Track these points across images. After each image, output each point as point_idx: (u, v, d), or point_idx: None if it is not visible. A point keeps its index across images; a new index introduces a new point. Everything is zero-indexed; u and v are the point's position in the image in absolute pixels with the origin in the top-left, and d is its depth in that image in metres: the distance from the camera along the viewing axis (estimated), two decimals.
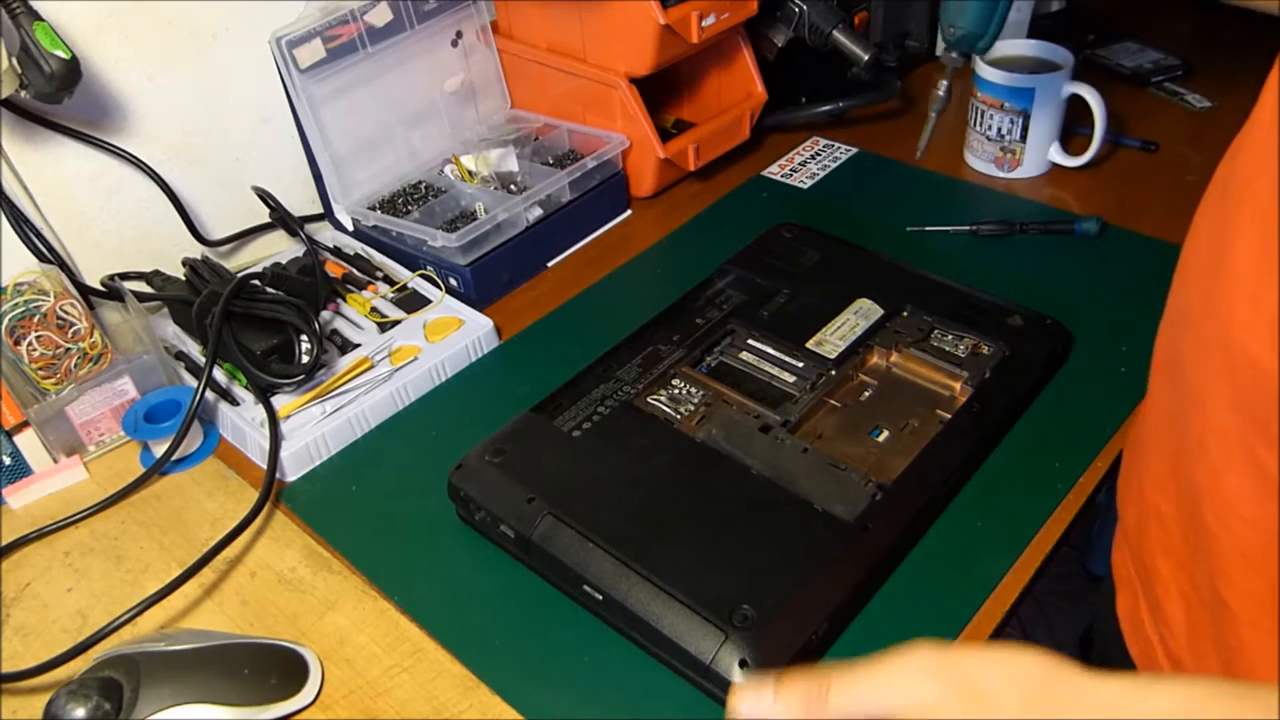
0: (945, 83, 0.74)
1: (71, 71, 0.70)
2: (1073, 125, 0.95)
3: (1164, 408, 0.50)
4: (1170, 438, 0.50)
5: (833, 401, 0.69)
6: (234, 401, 0.75)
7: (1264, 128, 0.41)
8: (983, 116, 0.94)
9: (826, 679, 0.38)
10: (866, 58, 0.97)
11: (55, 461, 0.73)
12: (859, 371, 0.72)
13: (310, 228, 0.90)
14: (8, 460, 0.71)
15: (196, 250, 0.89)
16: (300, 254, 0.87)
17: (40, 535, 0.68)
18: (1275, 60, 0.40)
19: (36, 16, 0.69)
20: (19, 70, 0.69)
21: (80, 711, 0.51)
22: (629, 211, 0.96)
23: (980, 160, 0.97)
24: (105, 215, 0.85)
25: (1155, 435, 0.52)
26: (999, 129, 0.93)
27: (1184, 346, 0.47)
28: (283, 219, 0.89)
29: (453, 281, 0.85)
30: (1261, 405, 0.41)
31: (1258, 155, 0.41)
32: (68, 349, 0.72)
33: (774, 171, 1.00)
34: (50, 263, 0.79)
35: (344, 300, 0.84)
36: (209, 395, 0.75)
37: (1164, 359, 0.51)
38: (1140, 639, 0.56)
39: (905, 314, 0.75)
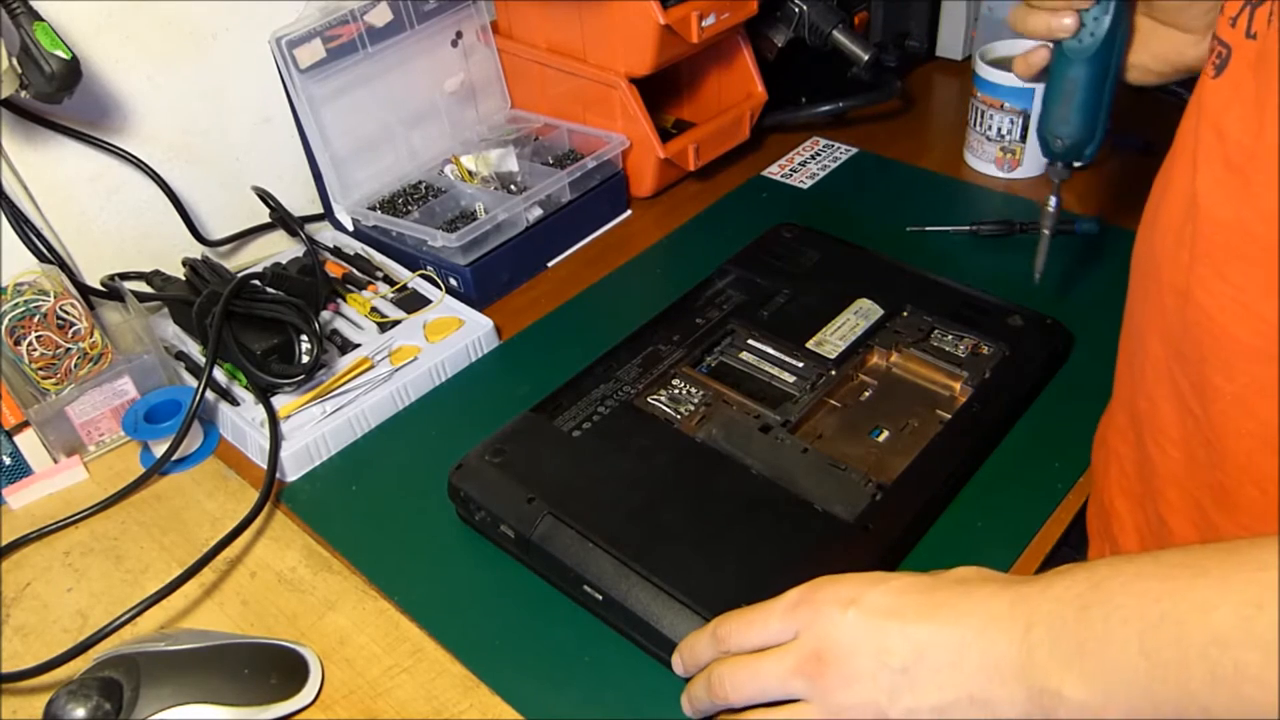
0: (1054, 199, 0.67)
1: (71, 71, 0.70)
2: None
3: (1125, 356, 0.54)
4: (1127, 379, 0.53)
5: (833, 401, 0.69)
6: (234, 401, 0.75)
7: (1199, 79, 0.46)
8: (983, 116, 0.94)
9: (720, 622, 0.48)
10: (866, 58, 0.97)
11: (55, 461, 0.73)
12: (859, 371, 0.72)
13: (310, 228, 0.90)
14: (8, 460, 0.71)
15: (196, 250, 0.89)
16: (300, 254, 0.87)
17: (40, 535, 0.68)
18: None
19: (36, 16, 0.69)
20: (19, 70, 0.69)
21: (80, 711, 0.51)
22: (629, 211, 0.96)
23: (980, 160, 0.97)
24: (105, 215, 0.85)
25: (1120, 385, 0.55)
26: (999, 129, 0.93)
27: (1135, 289, 0.51)
28: (283, 219, 0.89)
29: (453, 281, 0.85)
30: (1178, 330, 0.45)
31: (1188, 113, 0.46)
32: (68, 349, 0.72)
33: (774, 171, 1.00)
34: (50, 263, 0.79)
35: (344, 300, 0.84)
36: (209, 395, 0.75)
37: (1126, 313, 0.54)
38: None
39: (905, 314, 0.75)
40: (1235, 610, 0.33)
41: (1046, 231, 0.68)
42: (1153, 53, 0.63)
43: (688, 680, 0.51)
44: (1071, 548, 0.62)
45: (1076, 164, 0.66)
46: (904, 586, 0.44)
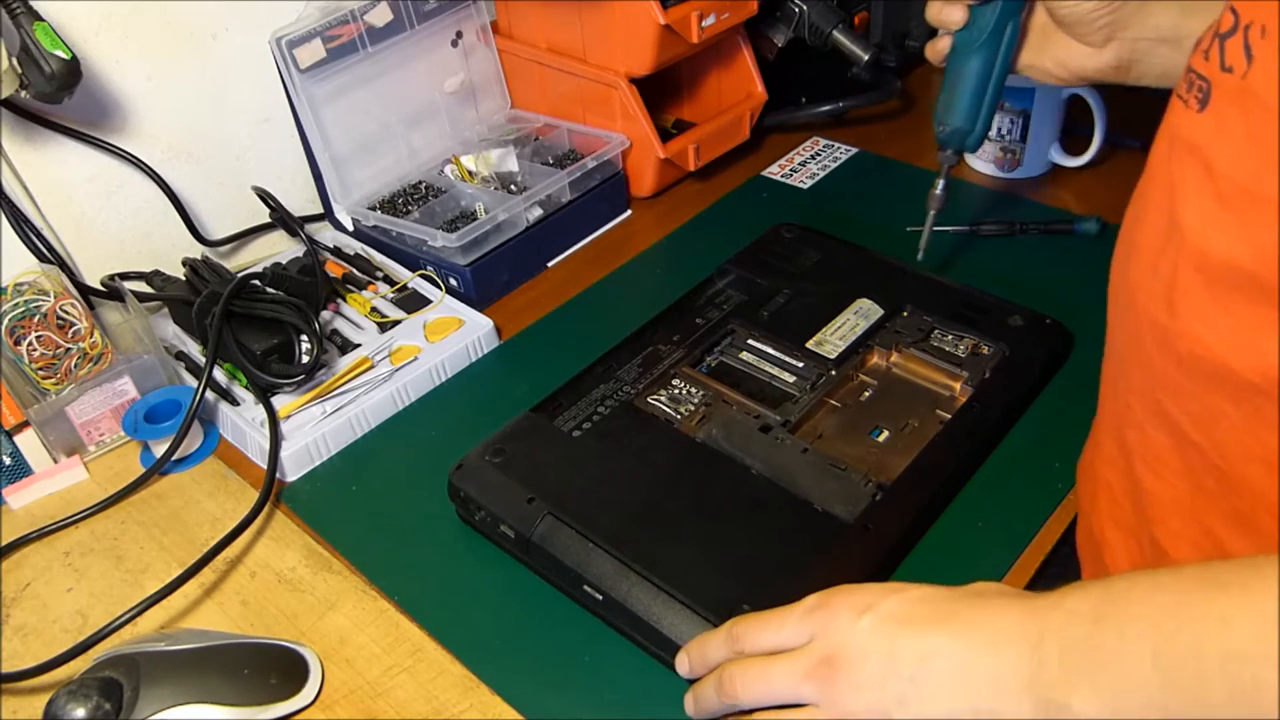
0: (941, 181, 0.71)
1: (71, 71, 0.70)
2: (1073, 125, 0.95)
3: (1109, 385, 0.53)
4: (1112, 409, 0.52)
5: (833, 401, 0.69)
6: (234, 401, 0.75)
7: (1170, 108, 0.45)
8: None
9: (736, 623, 0.49)
10: (866, 58, 0.97)
11: (55, 461, 0.73)
12: (859, 371, 0.72)
13: (310, 228, 0.90)
14: (8, 460, 0.71)
15: (196, 250, 0.89)
16: (300, 254, 0.87)
17: (40, 535, 0.68)
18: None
19: (36, 16, 0.69)
20: (19, 70, 0.69)
21: (80, 711, 0.51)
22: (629, 211, 0.96)
23: (980, 160, 0.97)
24: (105, 215, 0.85)
25: (1104, 413, 0.55)
26: (999, 129, 0.93)
27: (1114, 319, 0.51)
28: (283, 219, 0.89)
29: (453, 281, 0.85)
30: (1165, 361, 0.44)
31: (1160, 141, 0.46)
32: (68, 349, 0.72)
33: (774, 171, 1.00)
34: (50, 263, 0.79)
35: (344, 300, 0.84)
36: (209, 395, 0.74)
37: (1107, 340, 0.53)
38: None
39: (905, 314, 0.75)
40: (1255, 624, 0.33)
41: (932, 213, 0.72)
42: (1054, 58, 0.65)
43: (690, 681, 0.51)
44: (1071, 548, 0.62)
45: (963, 152, 0.70)
46: (919, 596, 0.44)
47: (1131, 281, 0.47)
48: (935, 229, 0.82)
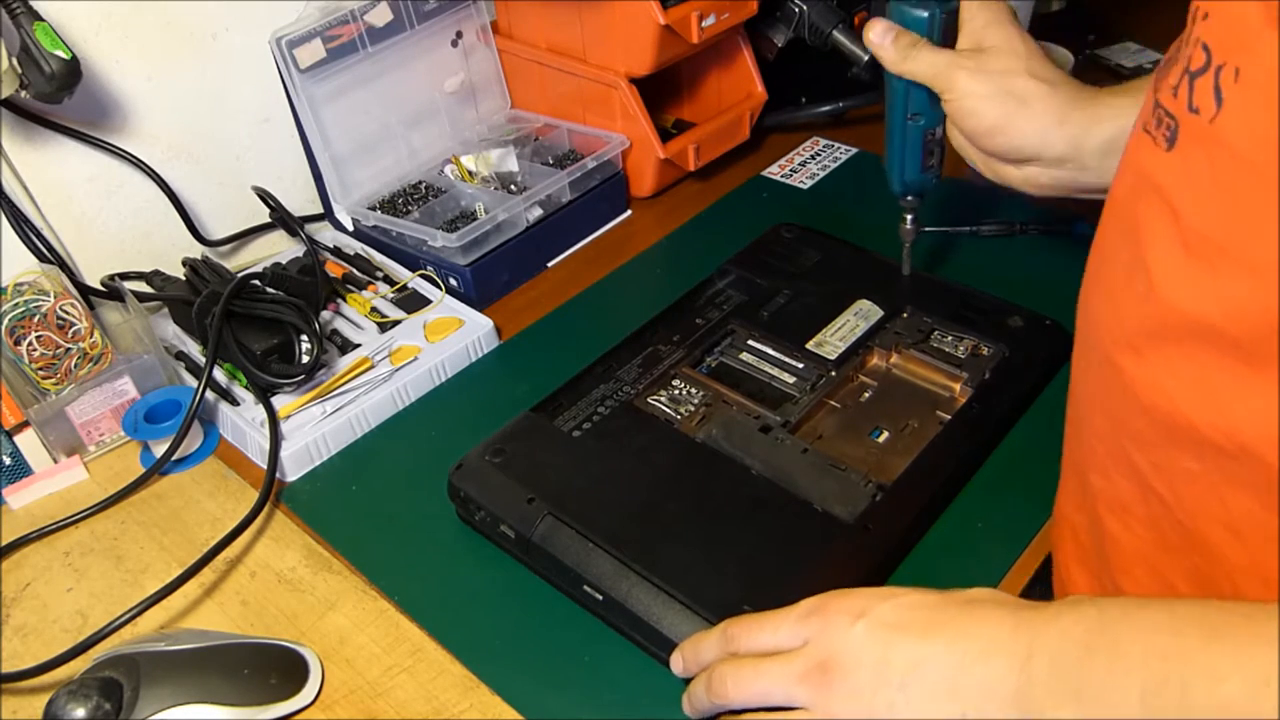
0: (910, 216, 0.74)
1: (71, 71, 0.70)
2: None
3: (1072, 423, 0.52)
4: (1076, 450, 0.52)
5: (833, 402, 0.69)
6: (234, 401, 0.75)
7: (1126, 150, 0.44)
8: None
9: (731, 624, 0.49)
10: (866, 58, 0.97)
11: (55, 461, 0.73)
12: (859, 372, 0.72)
13: (310, 228, 0.90)
14: (8, 460, 0.71)
15: (196, 250, 0.89)
16: (300, 254, 0.87)
17: (40, 535, 0.68)
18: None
19: (36, 16, 0.69)
20: (19, 70, 0.69)
21: (80, 711, 0.51)
22: (629, 211, 0.96)
23: None
24: (105, 215, 0.85)
25: (1068, 449, 0.54)
26: None
27: (1078, 354, 0.50)
28: (283, 219, 0.89)
29: (453, 281, 0.85)
30: (1123, 406, 0.44)
31: (1121, 177, 0.44)
32: (68, 349, 0.72)
33: (774, 171, 1.00)
34: (50, 263, 0.79)
35: (344, 300, 0.84)
36: (209, 395, 0.74)
37: (1071, 378, 0.52)
38: None
39: (905, 315, 0.75)
40: (1246, 682, 0.32)
41: (907, 244, 0.76)
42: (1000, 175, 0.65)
43: (688, 681, 0.51)
44: None
45: (923, 195, 0.73)
46: (913, 602, 0.44)
47: (1093, 317, 0.46)
48: (935, 229, 0.82)
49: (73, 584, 0.65)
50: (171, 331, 0.82)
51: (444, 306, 0.83)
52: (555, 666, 0.57)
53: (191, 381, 0.78)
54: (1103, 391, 0.46)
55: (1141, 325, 0.42)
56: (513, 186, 0.92)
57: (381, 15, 0.88)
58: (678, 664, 0.52)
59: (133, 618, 0.58)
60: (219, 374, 0.77)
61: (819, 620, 0.45)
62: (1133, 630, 0.36)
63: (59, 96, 0.70)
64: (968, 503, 0.64)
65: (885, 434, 0.67)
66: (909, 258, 0.77)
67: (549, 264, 0.91)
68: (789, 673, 0.45)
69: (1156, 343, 0.41)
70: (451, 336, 0.79)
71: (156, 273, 0.85)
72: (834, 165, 1.00)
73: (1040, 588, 0.60)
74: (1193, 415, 0.40)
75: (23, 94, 0.70)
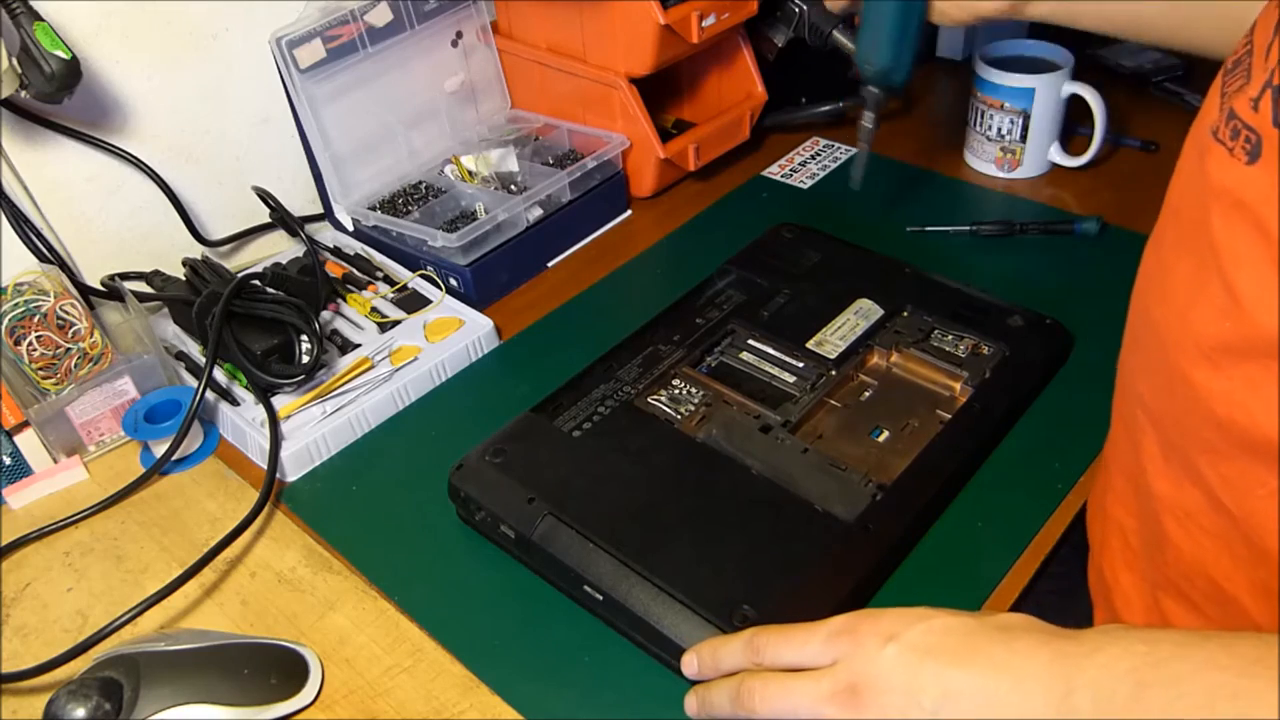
0: (872, 115, 0.75)
1: (71, 71, 0.70)
2: (1073, 125, 0.95)
3: (1124, 424, 0.52)
4: (1129, 453, 0.51)
5: (833, 402, 0.69)
6: (234, 401, 0.75)
7: (1186, 154, 0.43)
8: (983, 116, 0.94)
9: (757, 634, 0.48)
10: None
11: (55, 461, 0.73)
12: (859, 372, 0.72)
13: (310, 228, 0.90)
14: (8, 460, 0.71)
15: (196, 250, 0.89)
16: (300, 254, 0.87)
17: (40, 535, 0.68)
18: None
19: (36, 16, 0.69)
20: (19, 70, 0.69)
21: (80, 711, 0.51)
22: (629, 211, 0.96)
23: (980, 160, 0.97)
24: (105, 215, 0.85)
25: (1118, 451, 0.53)
26: (999, 129, 0.93)
27: (1135, 366, 0.49)
28: (283, 219, 0.89)
29: (453, 281, 0.85)
30: (1191, 416, 0.43)
31: (1182, 182, 0.44)
32: (68, 349, 0.72)
33: (774, 171, 1.00)
34: (50, 263, 0.79)
35: (344, 300, 0.84)
36: (209, 395, 0.74)
37: (1122, 379, 0.52)
38: None
39: (905, 314, 0.75)
40: None
41: (865, 146, 0.77)
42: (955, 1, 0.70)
43: (694, 682, 0.51)
44: (1072, 548, 0.62)
45: (890, 89, 0.74)
46: (946, 626, 0.43)
47: (1158, 327, 0.46)
48: (935, 229, 0.82)
49: (73, 584, 0.65)
50: (171, 331, 0.82)
51: (444, 306, 0.83)
52: (555, 666, 0.57)
53: (191, 381, 0.78)
54: (1166, 398, 0.45)
55: (1219, 340, 0.41)
56: (513, 186, 0.92)
57: (381, 15, 0.88)
58: (691, 665, 0.51)
59: (133, 618, 0.58)
60: (219, 374, 0.77)
61: (849, 640, 0.44)
62: (1192, 667, 0.35)
63: (59, 96, 0.70)
64: (968, 503, 0.64)
65: (885, 433, 0.67)
66: (863, 165, 0.78)
67: (549, 264, 0.91)
68: (818, 692, 0.44)
69: (1237, 359, 0.40)
70: (451, 336, 0.79)
71: (156, 273, 0.85)
72: (834, 165, 1.00)
73: (1043, 585, 0.60)
74: (1274, 433, 0.39)
75: (23, 94, 0.70)
